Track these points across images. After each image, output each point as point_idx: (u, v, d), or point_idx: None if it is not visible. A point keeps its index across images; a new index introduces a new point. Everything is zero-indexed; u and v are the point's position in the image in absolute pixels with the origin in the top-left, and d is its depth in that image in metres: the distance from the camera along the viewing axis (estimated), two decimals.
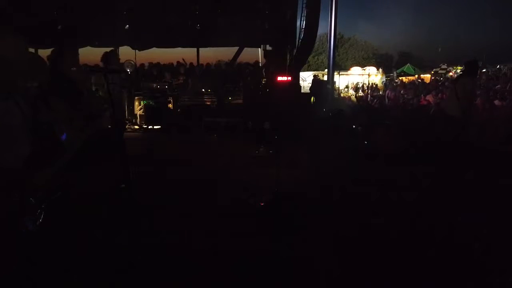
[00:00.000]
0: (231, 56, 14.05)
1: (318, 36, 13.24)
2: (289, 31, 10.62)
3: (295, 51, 10.62)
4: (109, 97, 2.37)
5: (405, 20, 44.61)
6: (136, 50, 12.61)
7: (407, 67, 25.83)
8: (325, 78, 15.49)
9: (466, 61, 6.49)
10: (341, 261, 3.00)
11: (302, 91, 13.10)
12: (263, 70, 11.69)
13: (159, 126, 9.43)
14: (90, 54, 11.52)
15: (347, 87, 23.80)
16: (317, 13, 10.03)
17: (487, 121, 8.38)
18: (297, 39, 10.45)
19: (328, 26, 13.13)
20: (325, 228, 3.54)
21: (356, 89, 22.61)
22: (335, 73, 16.13)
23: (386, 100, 15.41)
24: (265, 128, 7.42)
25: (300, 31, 10.35)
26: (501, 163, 5.56)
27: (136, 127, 9.59)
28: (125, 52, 12.26)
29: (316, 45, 24.50)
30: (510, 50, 28.52)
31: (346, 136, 7.76)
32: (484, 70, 18.15)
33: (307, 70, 26.16)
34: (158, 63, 13.03)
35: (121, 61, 10.16)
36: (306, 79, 19.94)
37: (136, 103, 9.88)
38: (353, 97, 19.79)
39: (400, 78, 23.81)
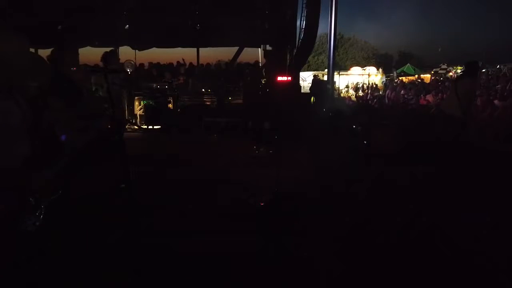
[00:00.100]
0: (231, 56, 14.05)
1: (318, 36, 13.21)
2: (289, 31, 10.60)
3: (295, 51, 10.60)
4: (109, 97, 2.38)
5: (405, 20, 44.60)
6: (136, 50, 12.61)
7: (407, 67, 25.83)
8: (325, 78, 15.48)
9: (467, 62, 6.51)
10: (341, 261, 3.00)
11: (302, 91, 13.07)
12: (263, 70, 11.68)
13: (159, 126, 9.43)
14: (90, 54, 11.53)
15: (347, 87, 23.80)
16: (317, 13, 10.01)
17: (487, 121, 8.39)
18: (297, 39, 10.43)
19: (328, 26, 13.12)
20: (325, 228, 3.54)
21: (356, 89, 22.62)
22: (335, 73, 16.12)
23: (386, 100, 15.42)
24: (265, 128, 7.42)
25: (300, 31, 10.33)
26: (501, 163, 5.57)
27: (135, 127, 9.58)
28: (125, 52, 12.27)
29: (316, 45, 24.50)
30: (510, 50, 28.50)
31: (346, 136, 7.76)
32: (484, 70, 18.13)
33: (307, 70, 26.16)
34: (158, 63, 13.03)
35: (121, 61, 10.16)
36: (306, 79, 19.93)
37: (136, 103, 9.87)
38: (353, 97, 19.80)
39: (400, 78, 23.80)
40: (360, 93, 20.92)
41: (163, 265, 2.84)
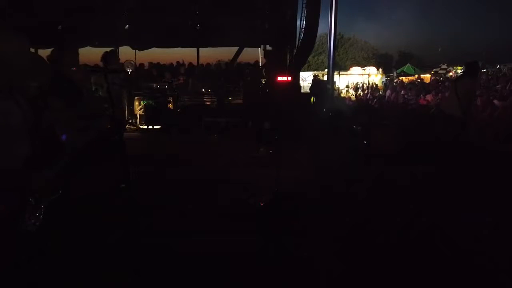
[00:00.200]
0: (231, 56, 14.06)
1: (318, 36, 13.21)
2: (289, 31, 10.60)
3: (295, 51, 10.61)
4: (109, 97, 2.38)
5: (405, 20, 44.64)
6: (136, 50, 12.62)
7: (407, 67, 25.82)
8: (325, 78, 15.48)
9: (467, 62, 6.52)
10: (341, 261, 3.00)
11: (302, 91, 13.08)
12: (263, 70, 11.69)
13: (159, 126, 9.43)
14: (90, 54, 11.53)
15: (347, 87, 23.80)
16: (317, 13, 10.01)
17: (487, 121, 8.39)
18: (297, 39, 10.43)
19: (328, 26, 13.12)
20: (325, 228, 3.54)
21: (356, 89, 22.62)
22: (335, 73, 16.12)
23: (386, 99, 15.43)
24: (265, 128, 7.42)
25: (300, 31, 10.34)
26: (501, 163, 5.57)
27: (133, 127, 9.56)
28: (125, 52, 12.28)
29: (316, 45, 24.48)
30: (510, 50, 28.50)
31: (346, 136, 7.76)
32: (484, 70, 18.13)
33: (307, 70, 26.14)
34: (158, 63, 13.04)
35: (121, 61, 10.16)
36: (306, 79, 19.93)
37: (136, 103, 9.87)
38: (353, 97, 19.81)
39: (400, 78, 23.80)
40: (360, 93, 20.92)
41: (163, 265, 2.84)
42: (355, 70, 25.22)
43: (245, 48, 13.87)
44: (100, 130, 2.31)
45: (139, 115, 9.81)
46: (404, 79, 23.43)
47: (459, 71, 21.63)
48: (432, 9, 49.98)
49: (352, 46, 40.23)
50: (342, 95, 21.50)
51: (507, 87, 10.90)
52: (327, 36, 14.66)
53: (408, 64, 26.61)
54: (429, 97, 12.65)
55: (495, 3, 44.42)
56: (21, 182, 1.73)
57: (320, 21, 10.15)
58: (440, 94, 12.14)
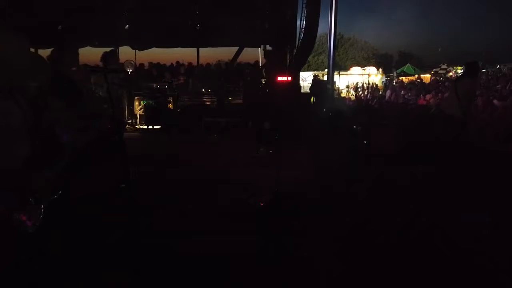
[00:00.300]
0: (231, 56, 14.05)
1: (318, 36, 13.21)
2: (289, 31, 10.60)
3: (295, 51, 10.61)
4: (109, 97, 2.38)
5: (405, 20, 44.64)
6: (136, 50, 12.62)
7: (407, 67, 25.83)
8: (325, 78, 15.48)
9: (467, 62, 6.52)
10: (341, 261, 3.00)
11: (302, 91, 13.08)
12: (263, 70, 11.69)
13: (159, 126, 9.43)
14: (90, 54, 11.53)
15: (347, 87, 23.80)
16: (317, 13, 10.01)
17: (487, 121, 8.39)
18: (297, 39, 10.43)
19: (328, 26, 13.13)
20: (325, 228, 3.54)
21: (356, 89, 22.62)
22: (335, 73, 16.12)
23: (386, 99, 15.42)
24: (265, 128, 7.42)
25: (300, 31, 10.34)
26: (501, 163, 5.57)
27: (129, 127, 9.55)
28: (125, 52, 12.29)
29: (316, 45, 24.47)
30: (510, 50, 28.51)
31: (346, 136, 7.76)
32: (484, 70, 18.14)
33: (307, 70, 26.15)
34: (158, 63, 13.03)
35: (121, 61, 10.17)
36: (306, 79, 19.94)
37: (136, 103, 9.87)
38: (353, 97, 19.81)
39: (400, 78, 23.80)
40: (360, 93, 20.92)
41: (163, 265, 2.84)
42: (355, 70, 25.23)
43: (245, 48, 13.87)
44: (100, 130, 2.30)
45: (139, 115, 9.82)
46: (404, 79, 23.43)
47: (459, 71, 21.64)
48: (432, 9, 50.04)
49: (352, 46, 40.24)
50: (342, 95, 21.50)
51: (507, 87, 10.91)
52: (327, 36, 14.66)
53: (408, 64, 26.62)
54: (429, 97, 12.65)
55: (495, 3, 44.47)
56: (21, 182, 1.73)
57: (320, 21, 10.15)
58: (440, 94, 12.15)
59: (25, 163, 1.77)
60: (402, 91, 15.36)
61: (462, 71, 15.22)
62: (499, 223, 3.70)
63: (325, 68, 17.55)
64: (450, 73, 23.35)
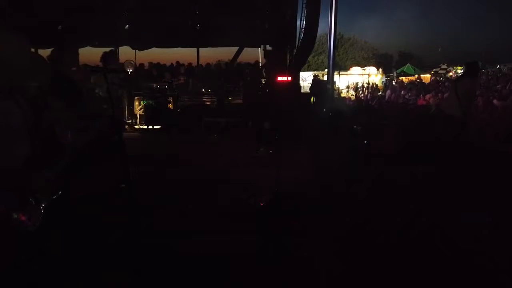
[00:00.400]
0: (231, 56, 14.06)
1: (318, 36, 13.21)
2: (289, 31, 10.61)
3: (295, 51, 10.61)
4: (109, 97, 2.37)
5: (405, 20, 44.66)
6: (136, 50, 12.62)
7: (407, 67, 25.84)
8: (325, 78, 15.48)
9: (467, 62, 6.52)
10: (341, 261, 3.00)
11: (302, 91, 13.08)
12: (263, 70, 11.69)
13: (159, 126, 9.43)
14: (90, 54, 11.53)
15: (347, 87, 23.80)
16: (317, 13, 10.01)
17: (487, 121, 8.39)
18: (297, 39, 10.44)
19: (328, 26, 13.13)
20: (325, 228, 3.54)
21: (356, 89, 22.62)
22: (335, 73, 16.12)
23: (386, 99, 15.43)
24: (265, 128, 7.42)
25: (300, 31, 10.35)
26: (501, 163, 5.57)
27: (129, 127, 9.55)
28: (125, 52, 12.30)
29: (316, 45, 24.46)
30: (510, 50, 28.54)
31: (346, 136, 7.76)
32: (484, 70, 18.15)
33: (307, 70, 26.15)
34: (158, 63, 13.03)
35: (121, 61, 10.17)
36: (306, 79, 19.93)
37: (136, 103, 9.87)
38: (353, 97, 19.81)
39: (400, 78, 23.81)
40: (360, 93, 20.92)
41: (163, 265, 2.84)
42: (355, 70, 25.22)
43: (245, 48, 13.87)
44: (100, 130, 2.30)
45: (139, 115, 9.82)
46: (404, 79, 23.44)
47: (459, 71, 21.66)
48: (432, 9, 50.10)
49: (352, 46, 40.24)
50: (342, 95, 21.50)
51: (507, 87, 10.92)
52: (327, 36, 14.67)
53: (408, 64, 26.63)
54: (428, 97, 12.66)
55: (495, 3, 44.50)
56: (21, 182, 1.73)
57: (320, 21, 10.16)
58: (440, 94, 12.15)
59: (25, 163, 1.77)
60: (402, 91, 15.36)
61: (462, 71, 15.23)
62: (499, 223, 3.70)
63: (325, 68, 17.55)
64: (450, 73, 23.36)
